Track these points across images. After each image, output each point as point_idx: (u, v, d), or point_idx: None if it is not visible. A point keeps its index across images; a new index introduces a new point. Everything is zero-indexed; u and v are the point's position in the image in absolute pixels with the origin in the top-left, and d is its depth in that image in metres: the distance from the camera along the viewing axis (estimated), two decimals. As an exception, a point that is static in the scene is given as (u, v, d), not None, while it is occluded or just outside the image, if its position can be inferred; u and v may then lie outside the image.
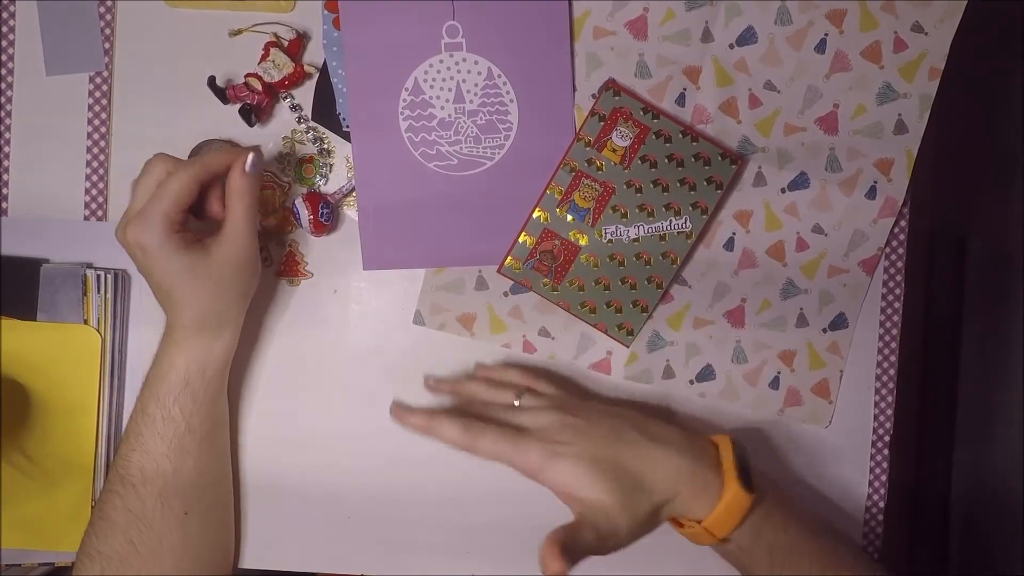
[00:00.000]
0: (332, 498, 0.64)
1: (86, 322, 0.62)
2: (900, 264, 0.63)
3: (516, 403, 0.57)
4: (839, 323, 0.63)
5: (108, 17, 0.62)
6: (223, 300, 0.55)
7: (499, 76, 0.61)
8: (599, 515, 0.50)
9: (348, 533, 0.64)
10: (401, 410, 0.55)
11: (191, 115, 0.62)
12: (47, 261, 0.62)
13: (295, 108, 0.62)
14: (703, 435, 0.56)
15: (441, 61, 0.61)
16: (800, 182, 0.62)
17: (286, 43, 0.61)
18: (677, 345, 0.63)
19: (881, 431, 0.64)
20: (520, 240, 0.62)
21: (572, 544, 0.48)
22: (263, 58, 0.60)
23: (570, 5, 0.61)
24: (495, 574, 0.64)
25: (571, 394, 0.60)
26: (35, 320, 0.62)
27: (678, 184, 0.61)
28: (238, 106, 0.61)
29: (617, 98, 0.60)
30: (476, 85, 0.61)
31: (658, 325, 0.63)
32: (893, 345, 0.64)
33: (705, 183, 0.61)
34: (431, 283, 0.63)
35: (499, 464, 0.56)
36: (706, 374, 0.64)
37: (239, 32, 0.62)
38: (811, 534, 0.54)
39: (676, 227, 0.61)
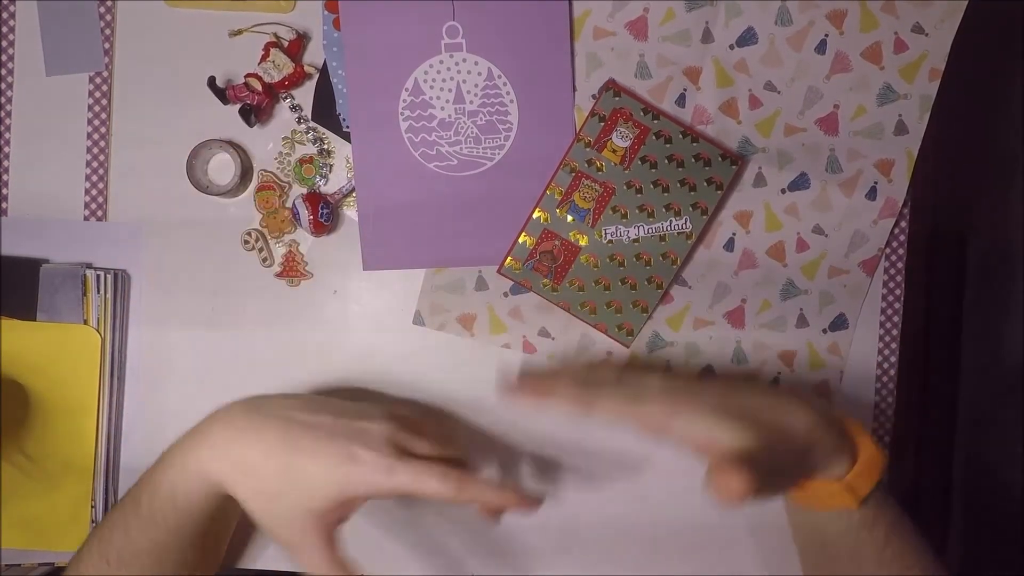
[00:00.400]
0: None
1: (86, 322, 0.62)
2: (900, 265, 0.63)
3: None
4: (839, 324, 0.63)
5: (108, 17, 0.62)
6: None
7: (499, 76, 0.61)
8: None
9: (348, 533, 0.64)
10: (520, 383, 0.52)
11: (191, 115, 0.62)
12: (47, 261, 0.62)
13: (295, 108, 0.62)
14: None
15: (441, 61, 0.61)
16: (800, 183, 0.62)
17: (286, 43, 0.61)
18: (677, 345, 0.63)
19: (881, 431, 0.64)
20: (520, 240, 0.62)
21: (747, 467, 0.43)
22: (263, 58, 0.60)
23: (570, 5, 0.61)
24: (495, 574, 0.64)
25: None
26: (35, 320, 0.62)
27: (678, 185, 0.61)
28: (238, 106, 0.61)
29: (617, 99, 0.60)
30: (476, 85, 0.61)
31: (658, 325, 0.63)
32: (893, 345, 0.64)
33: (705, 184, 0.61)
34: (431, 283, 0.63)
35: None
36: (706, 374, 0.64)
37: (239, 32, 0.62)
38: (915, 530, 0.52)
39: (676, 228, 0.61)
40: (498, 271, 0.62)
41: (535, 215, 0.61)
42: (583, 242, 0.61)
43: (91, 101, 0.62)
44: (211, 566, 0.57)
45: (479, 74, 0.61)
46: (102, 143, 0.63)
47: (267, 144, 0.63)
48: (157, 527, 0.50)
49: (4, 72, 0.62)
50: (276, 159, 0.63)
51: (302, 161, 0.63)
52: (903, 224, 0.63)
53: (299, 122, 0.62)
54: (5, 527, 0.62)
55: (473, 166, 0.62)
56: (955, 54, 0.61)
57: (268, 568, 0.64)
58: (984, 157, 1.14)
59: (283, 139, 0.63)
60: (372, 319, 0.64)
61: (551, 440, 0.64)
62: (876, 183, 0.62)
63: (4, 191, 0.63)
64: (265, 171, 0.63)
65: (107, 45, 0.62)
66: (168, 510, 0.50)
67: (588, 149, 0.61)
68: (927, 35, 0.61)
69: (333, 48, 0.62)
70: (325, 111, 0.62)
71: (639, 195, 0.61)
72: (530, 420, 0.64)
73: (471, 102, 0.61)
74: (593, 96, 0.62)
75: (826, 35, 0.61)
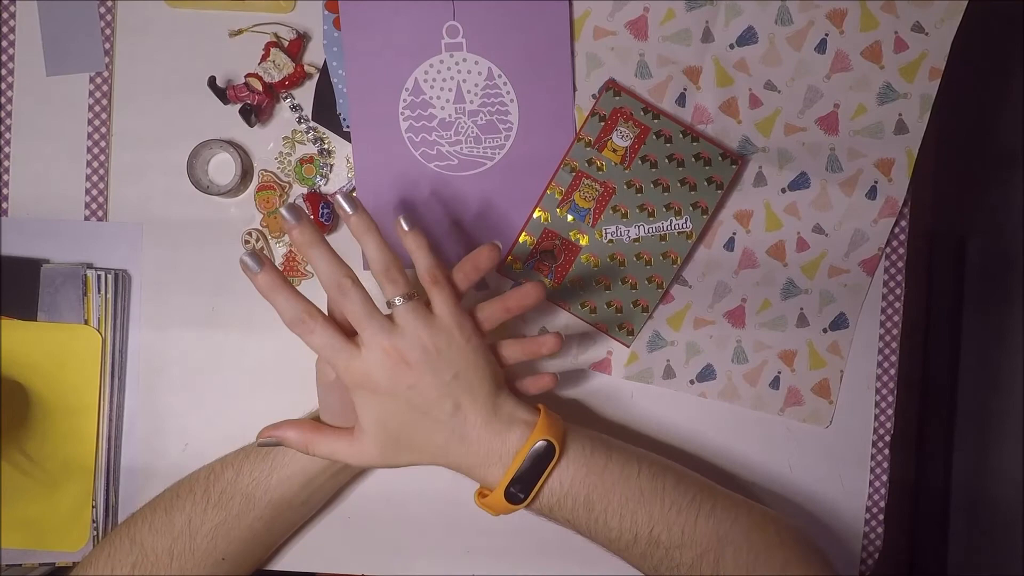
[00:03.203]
0: (332, 498, 0.64)
1: (86, 322, 0.62)
2: (900, 264, 0.63)
3: (396, 301, 0.50)
4: (839, 323, 0.63)
5: (108, 17, 0.62)
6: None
7: (499, 76, 0.61)
8: (356, 455, 0.51)
9: (348, 533, 0.64)
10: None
11: (191, 115, 0.62)
12: (47, 261, 0.62)
13: (295, 108, 0.62)
14: (523, 421, 0.52)
15: (441, 61, 0.61)
16: (800, 182, 0.62)
17: (286, 43, 0.61)
18: (677, 345, 0.63)
19: (881, 431, 0.64)
20: (520, 240, 0.62)
21: (307, 440, 0.51)
22: (263, 58, 0.60)
23: (570, 5, 0.61)
24: (495, 574, 0.64)
25: (463, 328, 0.51)
26: (35, 320, 0.62)
27: (678, 184, 0.61)
28: (238, 106, 0.61)
29: (617, 98, 0.60)
30: (476, 85, 0.61)
31: (658, 325, 0.63)
32: (893, 345, 0.64)
33: (706, 183, 0.61)
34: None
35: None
36: (706, 374, 0.64)
37: (239, 32, 0.62)
38: (621, 500, 0.51)
39: (676, 227, 0.61)
40: (498, 271, 0.62)
41: (535, 215, 0.61)
42: (583, 242, 0.61)
43: (91, 101, 0.62)
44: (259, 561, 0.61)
45: (479, 74, 0.61)
46: (102, 143, 0.63)
47: (267, 144, 0.63)
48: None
49: (4, 72, 0.62)
50: (276, 159, 0.63)
51: (302, 161, 0.63)
52: (903, 223, 0.63)
53: (299, 122, 0.62)
54: (5, 527, 0.62)
55: (473, 166, 0.62)
56: (955, 54, 0.61)
57: (268, 568, 0.64)
58: (984, 157, 1.14)
59: (283, 139, 0.63)
60: (372, 319, 0.64)
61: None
62: (876, 182, 0.62)
63: (4, 191, 0.63)
64: (265, 171, 0.63)
65: (107, 45, 0.62)
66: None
67: (588, 149, 0.61)
68: (927, 34, 0.61)
69: (333, 48, 0.62)
70: (325, 111, 0.62)
71: (639, 195, 0.61)
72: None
73: (471, 102, 0.61)
74: (593, 96, 0.62)
75: (826, 34, 0.61)
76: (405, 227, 0.51)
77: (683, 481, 0.53)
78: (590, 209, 0.61)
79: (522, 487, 0.50)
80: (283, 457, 0.56)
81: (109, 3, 0.62)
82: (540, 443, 0.50)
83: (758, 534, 0.52)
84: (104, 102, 0.63)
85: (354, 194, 0.50)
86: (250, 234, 0.62)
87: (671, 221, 0.61)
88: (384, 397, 0.50)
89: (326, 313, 0.51)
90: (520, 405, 0.53)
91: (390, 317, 0.50)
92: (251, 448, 0.57)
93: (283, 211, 0.48)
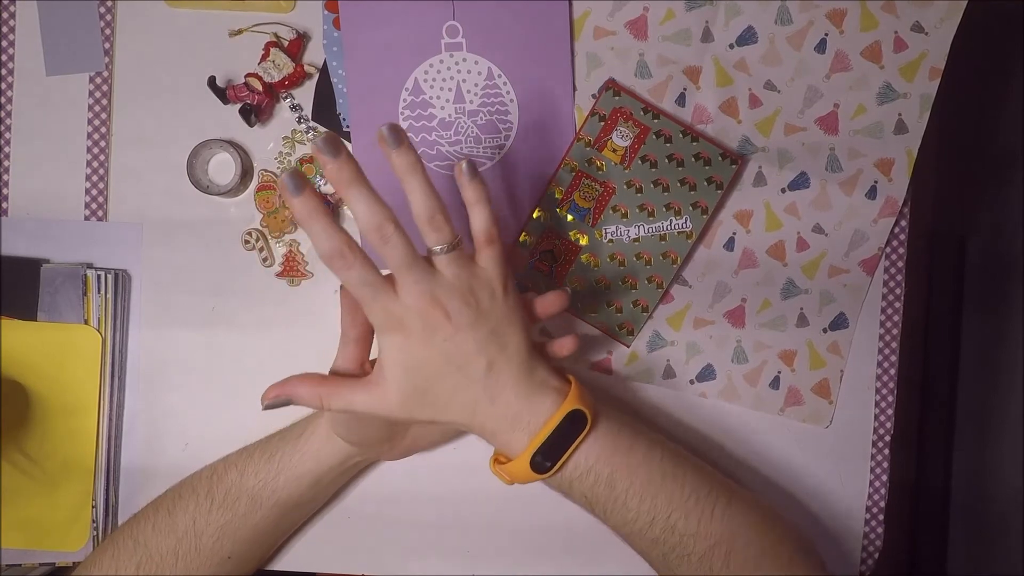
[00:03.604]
0: (332, 497, 0.64)
1: (86, 322, 0.62)
2: (900, 264, 0.63)
3: (438, 249, 0.47)
4: (839, 323, 0.63)
5: (108, 17, 0.62)
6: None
7: (499, 76, 0.61)
8: (375, 404, 0.48)
9: (348, 533, 0.64)
10: None
11: (191, 115, 0.62)
12: (47, 261, 0.62)
13: (295, 108, 0.62)
14: (555, 388, 0.50)
15: (441, 61, 0.61)
16: (800, 182, 0.62)
17: (286, 43, 0.61)
18: (677, 345, 0.63)
19: (881, 431, 0.64)
20: (520, 240, 0.62)
21: (331, 393, 0.48)
22: (263, 58, 0.60)
23: (570, 5, 0.61)
24: (495, 574, 0.64)
25: (509, 299, 0.50)
26: (35, 320, 0.62)
27: (678, 184, 0.61)
28: (238, 106, 0.61)
29: (617, 98, 0.60)
30: (476, 85, 0.61)
31: (658, 325, 0.63)
32: (893, 345, 0.64)
33: (705, 183, 0.61)
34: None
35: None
36: (706, 374, 0.64)
37: (239, 32, 0.62)
38: (644, 482, 0.50)
39: (676, 227, 0.61)
40: (498, 271, 0.62)
41: (535, 215, 0.61)
42: (583, 241, 0.61)
43: (91, 101, 0.62)
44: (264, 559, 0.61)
45: (479, 74, 0.61)
46: (102, 143, 0.63)
47: (267, 144, 0.63)
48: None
49: (4, 72, 0.62)
50: (276, 159, 0.63)
51: (303, 161, 0.63)
52: (903, 223, 0.63)
53: (299, 122, 0.62)
54: (5, 527, 0.62)
55: (473, 166, 0.62)
56: (955, 53, 0.61)
57: (268, 568, 0.64)
58: (984, 157, 1.14)
59: (283, 139, 0.63)
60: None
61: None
62: (876, 182, 0.62)
63: (4, 191, 0.63)
64: (265, 171, 0.63)
65: (107, 45, 0.62)
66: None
67: (588, 148, 0.61)
68: (927, 34, 0.61)
69: (333, 48, 0.62)
70: (325, 111, 0.62)
71: (639, 194, 0.61)
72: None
73: (471, 102, 0.61)
74: (593, 96, 0.62)
75: (826, 34, 0.61)
76: (467, 175, 0.47)
77: (702, 472, 0.53)
78: (590, 209, 0.61)
79: (548, 456, 0.48)
80: (290, 458, 0.56)
81: (109, 3, 0.62)
82: (573, 412, 0.48)
83: (766, 533, 0.52)
84: (104, 102, 0.63)
85: (402, 126, 0.45)
86: (250, 234, 0.62)
87: (671, 221, 0.61)
88: (416, 345, 0.47)
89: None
90: (552, 373, 0.51)
91: (430, 263, 0.47)
92: (254, 448, 0.57)
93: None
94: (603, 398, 0.60)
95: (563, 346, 0.55)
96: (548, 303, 0.54)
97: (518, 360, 0.49)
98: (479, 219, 0.48)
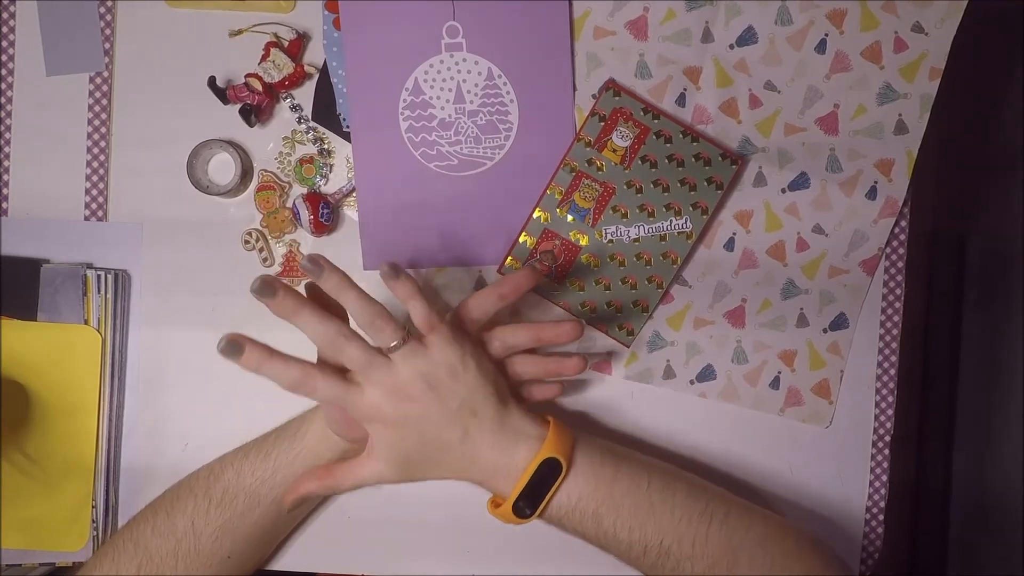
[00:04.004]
0: (332, 498, 0.64)
1: (86, 322, 0.62)
2: (900, 264, 0.63)
3: (392, 344, 0.49)
4: (839, 323, 0.63)
5: (108, 17, 0.62)
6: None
7: (499, 76, 0.61)
8: (376, 476, 0.52)
9: (348, 533, 0.64)
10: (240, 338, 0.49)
11: (191, 115, 0.62)
12: (47, 261, 0.62)
13: (295, 108, 0.62)
14: (531, 436, 0.52)
15: (441, 61, 0.61)
16: (800, 182, 0.62)
17: (286, 43, 0.61)
18: (677, 345, 0.63)
19: (881, 431, 0.64)
20: (520, 240, 0.62)
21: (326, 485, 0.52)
22: (263, 58, 0.60)
23: (570, 5, 0.61)
24: (495, 574, 0.64)
25: (456, 359, 0.51)
26: (35, 320, 0.62)
27: (678, 184, 0.61)
28: (238, 106, 0.61)
29: (617, 98, 0.60)
30: (476, 85, 0.61)
31: (658, 325, 0.63)
32: (893, 345, 0.64)
33: (705, 183, 0.61)
34: (431, 283, 0.63)
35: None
36: (706, 374, 0.64)
37: (239, 32, 0.62)
38: (630, 512, 0.52)
39: (676, 227, 0.61)
40: (498, 271, 0.62)
41: (535, 215, 0.61)
42: (583, 242, 0.61)
43: (91, 101, 0.62)
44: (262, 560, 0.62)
45: (479, 74, 0.61)
46: (102, 143, 0.63)
47: (267, 144, 0.63)
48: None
49: (4, 72, 0.62)
50: (276, 159, 0.63)
51: (302, 161, 0.63)
52: (903, 224, 0.63)
53: (299, 122, 0.62)
54: (5, 527, 0.62)
55: (473, 166, 0.62)
56: (955, 53, 0.61)
57: (268, 568, 0.64)
58: (984, 157, 1.14)
59: (283, 139, 0.63)
60: (372, 319, 0.64)
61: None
62: (876, 182, 0.62)
63: (4, 191, 0.63)
64: (265, 171, 0.63)
65: (107, 45, 0.62)
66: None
67: (588, 149, 0.61)
68: (927, 34, 0.61)
69: (333, 48, 0.62)
70: (325, 111, 0.62)
71: (639, 195, 0.61)
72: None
73: (471, 102, 0.61)
74: (593, 96, 0.62)
75: (826, 34, 0.61)
76: (392, 276, 0.50)
77: (694, 491, 0.54)
78: (590, 209, 0.61)
79: (529, 502, 0.51)
80: (286, 456, 0.56)
81: (109, 3, 0.62)
82: (547, 459, 0.50)
83: (775, 543, 0.52)
84: (104, 102, 0.63)
85: (315, 255, 0.49)
86: (250, 234, 0.62)
87: (671, 221, 0.61)
88: (394, 430, 0.50)
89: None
90: (528, 419, 0.53)
91: (388, 357, 0.50)
92: (249, 447, 0.58)
93: (259, 285, 0.47)
94: (587, 427, 0.62)
95: (541, 392, 0.57)
96: (516, 280, 0.53)
97: (491, 421, 0.51)
98: (416, 312, 0.50)
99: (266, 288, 0.47)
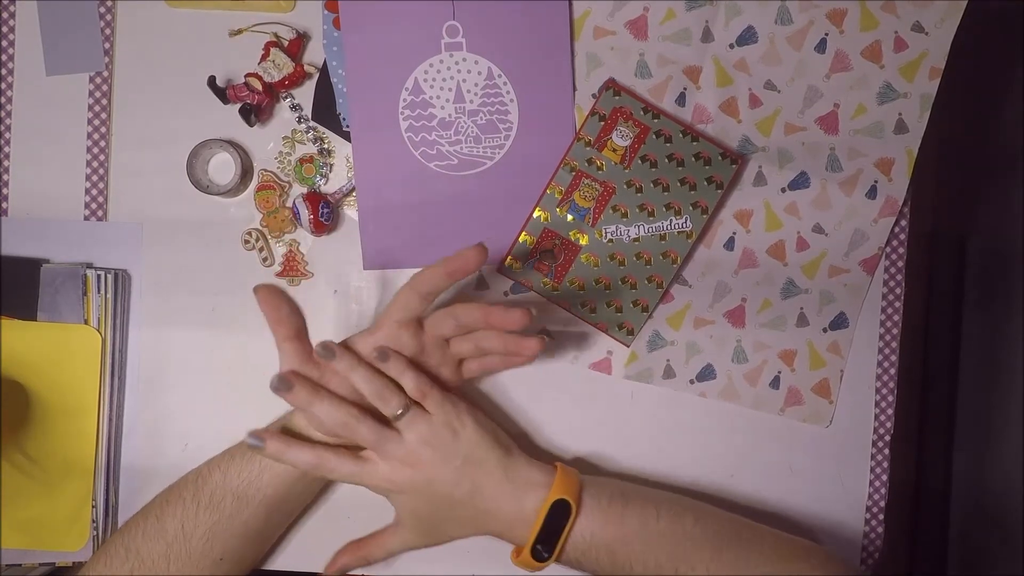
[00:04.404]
0: (331, 498, 0.64)
1: (86, 322, 0.62)
2: (900, 264, 0.63)
3: (398, 412, 0.53)
4: (839, 323, 0.63)
5: (108, 17, 0.62)
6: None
7: (499, 76, 0.61)
8: (405, 544, 0.58)
9: (347, 533, 0.64)
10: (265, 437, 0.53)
11: (191, 115, 0.62)
12: (47, 261, 0.62)
13: (295, 108, 0.62)
14: (538, 483, 0.55)
15: (441, 61, 0.61)
16: (800, 182, 0.62)
17: (286, 43, 0.61)
18: (677, 345, 0.63)
19: (881, 431, 0.64)
20: (520, 240, 0.62)
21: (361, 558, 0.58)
22: (263, 58, 0.60)
23: (570, 5, 0.61)
24: (495, 574, 0.64)
25: (457, 410, 0.55)
26: (35, 320, 0.62)
27: (678, 184, 0.61)
28: (238, 106, 0.61)
29: (617, 98, 0.60)
30: (476, 85, 0.61)
31: (658, 325, 0.63)
32: (893, 345, 0.64)
33: (705, 183, 0.61)
34: (431, 283, 0.63)
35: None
36: (706, 374, 0.64)
37: (239, 32, 0.62)
38: (642, 546, 0.54)
39: (676, 227, 0.61)
40: (498, 270, 0.62)
41: (535, 214, 0.61)
42: (583, 241, 0.61)
43: (91, 101, 0.62)
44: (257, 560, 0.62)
45: (479, 73, 0.61)
46: (102, 143, 0.63)
47: (267, 144, 0.63)
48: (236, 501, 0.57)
49: (4, 72, 0.62)
50: (276, 159, 0.63)
51: (302, 161, 0.63)
52: (903, 223, 0.63)
53: (299, 122, 0.62)
54: (5, 527, 0.62)
55: (473, 165, 0.62)
56: (955, 53, 0.61)
57: (268, 568, 0.64)
58: (984, 157, 1.14)
59: (283, 139, 0.63)
60: (372, 319, 0.64)
61: (555, 442, 0.64)
62: (876, 182, 0.62)
63: (4, 191, 0.63)
64: (265, 171, 0.63)
65: (107, 45, 0.62)
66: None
67: (588, 148, 0.61)
68: (927, 34, 0.61)
69: (333, 48, 0.62)
70: (325, 111, 0.62)
71: (639, 194, 0.61)
72: (533, 417, 0.64)
73: (471, 101, 0.61)
74: (593, 95, 0.62)
75: (826, 34, 0.61)
76: (380, 360, 0.53)
77: (703, 519, 0.55)
78: (590, 209, 0.61)
79: (546, 545, 0.53)
80: None
81: (109, 3, 0.62)
82: (557, 501, 0.53)
83: (789, 564, 0.53)
84: (104, 102, 0.63)
85: (327, 342, 0.53)
86: (250, 234, 0.62)
87: (671, 221, 0.61)
88: (410, 495, 0.54)
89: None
90: (534, 466, 0.56)
91: (395, 428, 0.54)
92: (236, 449, 0.58)
93: (277, 381, 0.52)
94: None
95: (483, 365, 0.59)
96: (463, 258, 0.52)
97: (496, 470, 0.55)
98: (408, 384, 0.54)
99: (283, 383, 0.52)
